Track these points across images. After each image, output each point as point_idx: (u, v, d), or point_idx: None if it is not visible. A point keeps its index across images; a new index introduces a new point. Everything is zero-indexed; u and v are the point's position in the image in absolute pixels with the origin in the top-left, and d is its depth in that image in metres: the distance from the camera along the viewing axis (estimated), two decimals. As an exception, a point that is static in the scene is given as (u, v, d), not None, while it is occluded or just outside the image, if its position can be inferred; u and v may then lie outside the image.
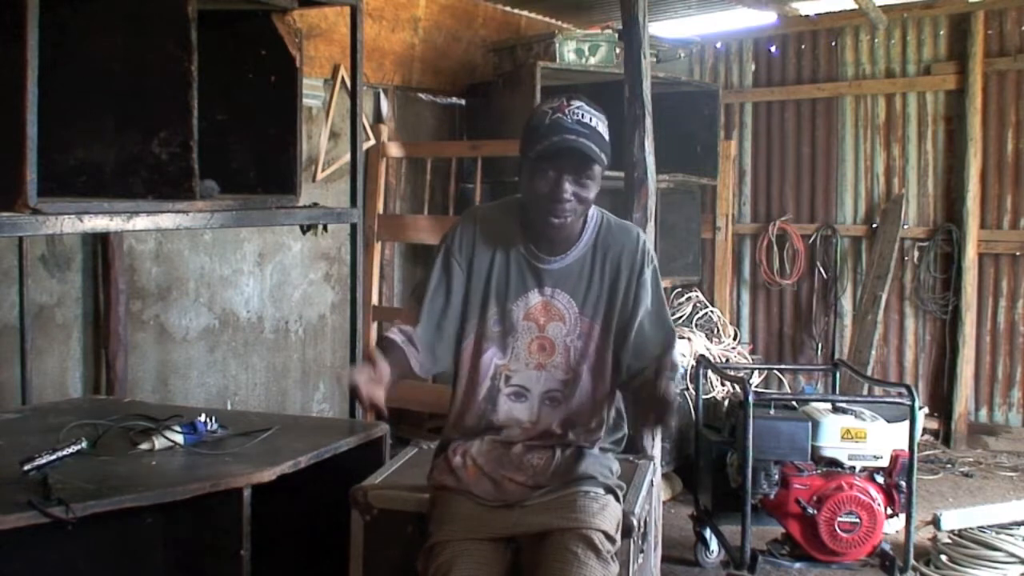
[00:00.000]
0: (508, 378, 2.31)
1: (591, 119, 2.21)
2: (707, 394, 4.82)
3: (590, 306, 2.31)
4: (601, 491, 2.22)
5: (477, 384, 2.31)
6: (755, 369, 5.71)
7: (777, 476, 3.66)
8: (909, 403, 3.55)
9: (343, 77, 5.09)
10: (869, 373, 5.96)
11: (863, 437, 3.72)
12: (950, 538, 3.89)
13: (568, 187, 2.19)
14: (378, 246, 5.49)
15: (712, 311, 5.87)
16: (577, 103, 2.23)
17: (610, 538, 2.12)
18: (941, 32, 6.15)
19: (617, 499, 2.26)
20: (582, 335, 2.31)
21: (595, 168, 2.20)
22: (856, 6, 5.97)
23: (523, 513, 2.17)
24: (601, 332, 2.32)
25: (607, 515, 2.15)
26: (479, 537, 2.13)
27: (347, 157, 4.55)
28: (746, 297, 6.93)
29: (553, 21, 6.54)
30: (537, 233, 2.31)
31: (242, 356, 4.89)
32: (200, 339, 4.67)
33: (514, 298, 2.31)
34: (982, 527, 3.87)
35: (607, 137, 2.23)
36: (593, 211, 2.35)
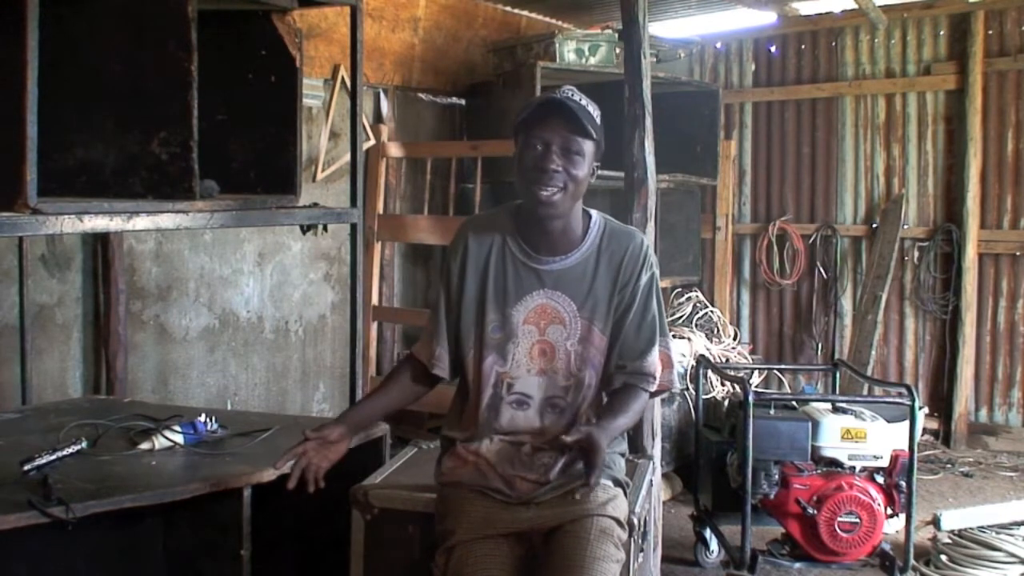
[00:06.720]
0: (510, 386, 2.26)
1: (581, 98, 2.21)
2: (707, 394, 4.82)
3: (588, 308, 2.26)
4: (610, 483, 2.24)
5: (480, 392, 2.28)
6: (755, 369, 5.71)
7: (777, 476, 3.66)
8: (909, 403, 3.55)
9: (343, 77, 5.09)
10: (869, 373, 5.96)
11: (863, 437, 3.72)
12: (950, 538, 3.89)
13: (556, 159, 2.14)
14: (378, 246, 5.50)
15: (712, 311, 5.87)
16: (569, 87, 2.24)
17: (621, 525, 2.15)
18: (941, 32, 6.15)
19: (624, 493, 2.28)
20: (582, 339, 2.26)
21: (584, 143, 2.16)
22: (856, 6, 5.97)
23: (537, 508, 2.17)
24: (601, 335, 2.27)
25: (617, 504, 2.19)
26: (496, 533, 2.13)
27: (347, 157, 4.55)
28: (746, 297, 6.93)
29: (553, 21, 6.54)
30: (536, 234, 2.27)
31: (242, 356, 4.89)
32: (200, 339, 4.68)
33: (514, 302, 2.27)
34: (982, 527, 3.87)
35: (599, 121, 2.21)
36: (596, 216, 2.33)
